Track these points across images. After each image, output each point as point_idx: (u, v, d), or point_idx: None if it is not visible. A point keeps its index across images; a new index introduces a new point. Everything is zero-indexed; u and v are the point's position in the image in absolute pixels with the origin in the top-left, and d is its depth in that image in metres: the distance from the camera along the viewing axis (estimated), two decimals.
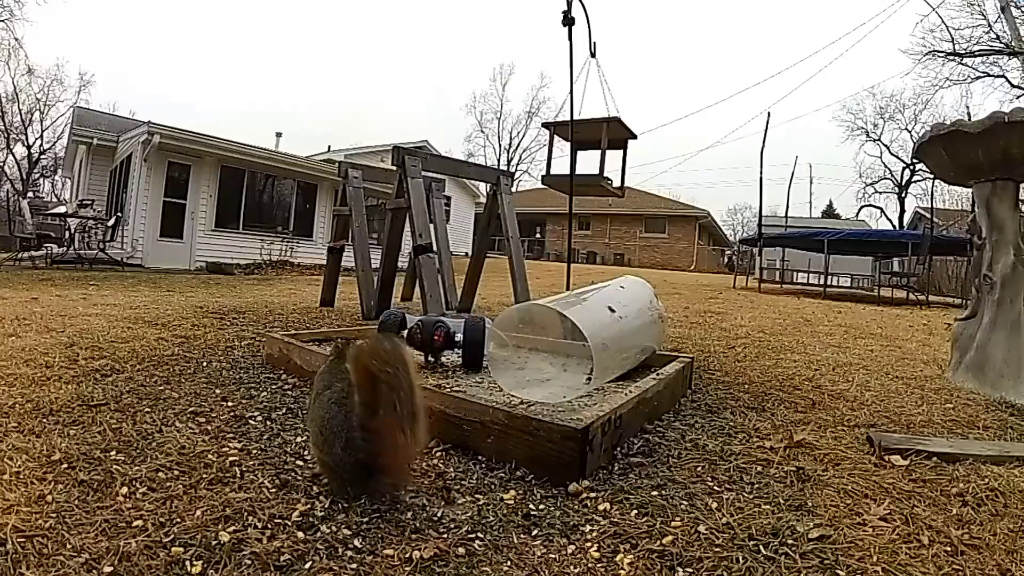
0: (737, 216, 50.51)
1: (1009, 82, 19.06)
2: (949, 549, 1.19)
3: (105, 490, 1.28)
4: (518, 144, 41.50)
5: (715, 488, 1.46)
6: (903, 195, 29.41)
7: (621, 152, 4.62)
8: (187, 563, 1.03)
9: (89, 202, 10.86)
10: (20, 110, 29.69)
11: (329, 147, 21.18)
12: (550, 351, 2.72)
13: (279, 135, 20.56)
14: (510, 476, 1.50)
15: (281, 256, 11.98)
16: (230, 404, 1.98)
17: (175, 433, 1.65)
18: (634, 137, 4.55)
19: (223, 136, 11.27)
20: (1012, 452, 1.74)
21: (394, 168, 3.75)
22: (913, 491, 1.47)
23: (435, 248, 3.93)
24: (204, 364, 2.50)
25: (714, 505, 1.36)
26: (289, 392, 2.18)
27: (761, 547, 1.17)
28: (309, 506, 1.27)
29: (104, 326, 3.21)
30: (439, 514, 1.28)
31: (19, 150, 30.72)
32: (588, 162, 4.45)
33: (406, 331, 2.54)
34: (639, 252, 28.56)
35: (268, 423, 1.82)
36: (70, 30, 50.01)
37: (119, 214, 10.58)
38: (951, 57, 19.21)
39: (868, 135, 29.89)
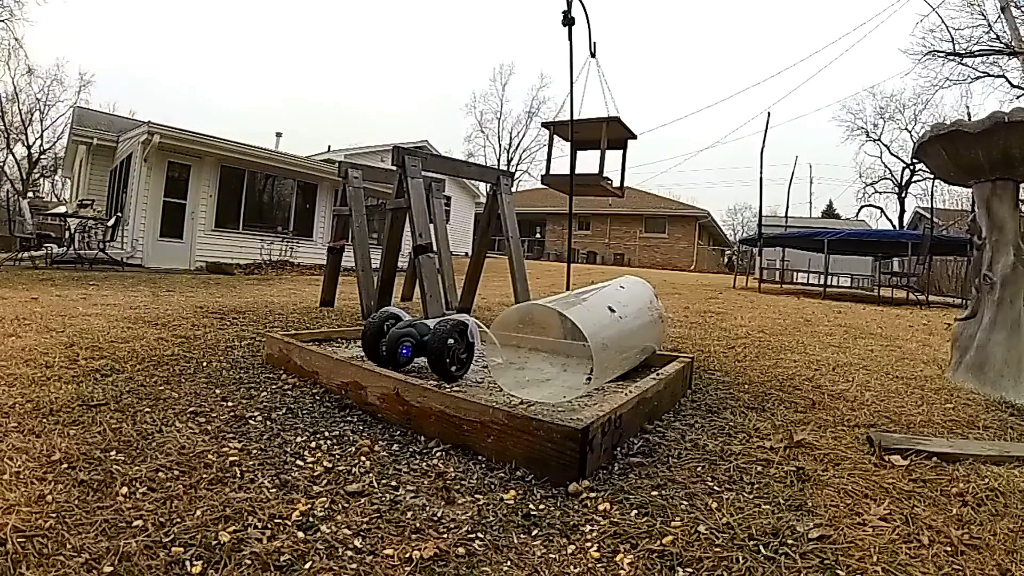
0: (737, 216, 50.49)
1: (1009, 82, 19.05)
2: (949, 549, 1.19)
3: (105, 490, 1.28)
4: (518, 144, 41.50)
5: (715, 488, 1.46)
6: (903, 195, 29.37)
7: (621, 152, 4.61)
8: (187, 563, 1.03)
9: (89, 202, 10.86)
10: (20, 110, 29.69)
11: (329, 147, 21.15)
12: (550, 351, 2.72)
13: (279, 135, 20.56)
14: (510, 476, 1.50)
15: (281, 256, 11.97)
16: (230, 404, 1.98)
17: (175, 433, 1.65)
18: (634, 137, 4.54)
19: (223, 136, 11.27)
20: (1012, 452, 1.74)
21: (394, 168, 3.75)
22: (913, 491, 1.47)
23: (435, 248, 3.93)
24: (204, 364, 2.50)
25: (714, 505, 1.36)
26: (289, 392, 2.18)
27: (761, 547, 1.17)
28: (309, 506, 1.27)
29: (104, 326, 3.21)
30: (439, 514, 1.28)
31: (19, 150, 30.74)
32: (588, 162, 4.45)
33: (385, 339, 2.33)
34: (639, 252, 28.54)
35: (268, 423, 1.82)
36: (70, 30, 50.00)
37: (119, 214, 10.57)
38: (951, 57, 19.19)
39: (868, 135, 29.86)
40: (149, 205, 10.32)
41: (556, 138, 4.65)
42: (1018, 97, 18.56)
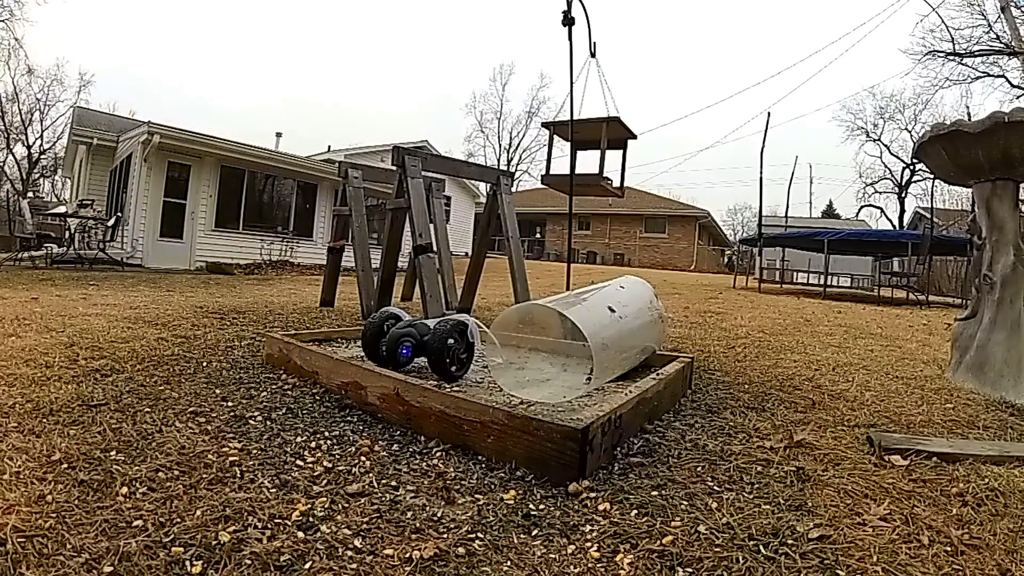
0: (737, 216, 50.48)
1: (1009, 82, 19.04)
2: (949, 549, 1.19)
3: (105, 490, 1.28)
4: (518, 144, 41.47)
5: (715, 488, 1.46)
6: (903, 195, 29.36)
7: (621, 152, 4.61)
8: (187, 563, 1.03)
9: (89, 202, 10.86)
10: (20, 110, 29.66)
11: (329, 147, 21.14)
12: (550, 351, 2.72)
13: (279, 135, 20.54)
14: (510, 476, 1.50)
15: (281, 256, 11.97)
16: (230, 404, 1.98)
17: (175, 433, 1.65)
18: (634, 137, 4.54)
19: (223, 136, 11.27)
20: (1012, 452, 1.74)
21: (394, 168, 3.75)
22: (913, 491, 1.47)
23: (435, 248, 3.92)
24: (204, 364, 2.50)
25: (714, 505, 1.36)
26: (289, 392, 2.18)
27: (761, 547, 1.17)
28: (309, 506, 1.27)
29: (104, 326, 3.21)
30: (439, 514, 1.28)
31: (19, 150, 30.72)
32: (588, 162, 4.45)
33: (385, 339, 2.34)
34: (639, 252, 28.54)
35: (268, 423, 1.82)
36: (70, 30, 49.98)
37: (119, 214, 10.57)
38: (951, 57, 19.18)
39: (868, 135, 29.84)
40: (149, 205, 10.32)
41: (556, 138, 4.65)
42: (1018, 97, 18.56)
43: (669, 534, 1.22)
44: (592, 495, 1.39)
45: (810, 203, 27.22)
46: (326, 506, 1.28)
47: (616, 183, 4.53)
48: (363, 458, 1.58)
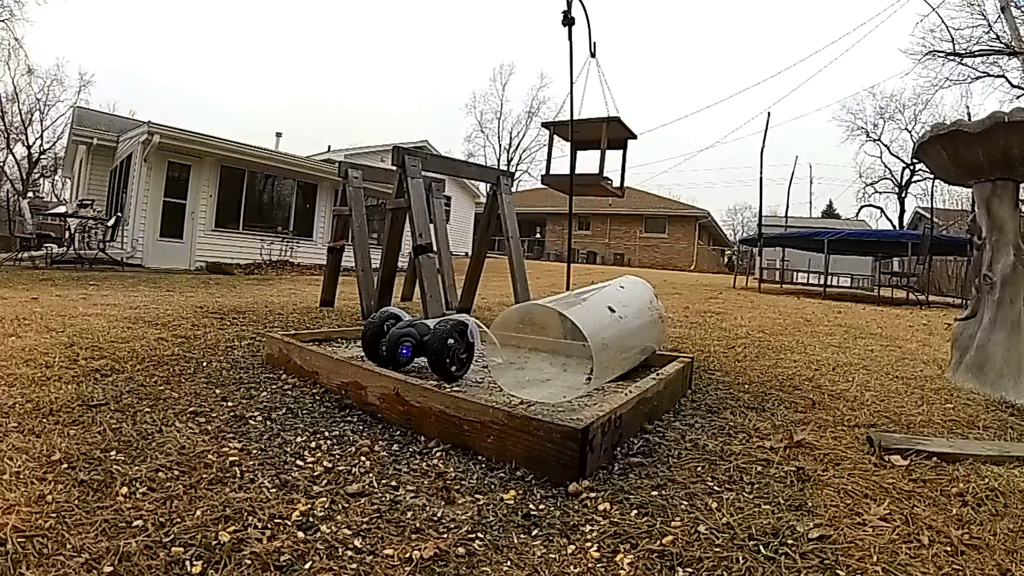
0: (737, 216, 50.50)
1: (1009, 82, 19.04)
2: (949, 549, 1.19)
3: (105, 490, 1.28)
4: (518, 144, 41.47)
5: (715, 488, 1.46)
6: (903, 195, 29.36)
7: (621, 152, 4.61)
8: (187, 563, 1.03)
9: (89, 202, 10.85)
10: (20, 110, 29.66)
11: (329, 147, 21.13)
12: (550, 351, 2.72)
13: (279, 135, 20.53)
14: (510, 476, 1.50)
15: (281, 256, 11.97)
16: (230, 404, 1.98)
17: (175, 433, 1.65)
18: (634, 137, 4.54)
19: (223, 136, 11.27)
20: (1012, 452, 1.74)
21: (394, 168, 3.75)
22: (913, 491, 1.47)
23: (435, 248, 3.92)
24: (204, 364, 2.50)
25: (714, 505, 1.36)
26: (289, 392, 2.18)
27: (761, 547, 1.17)
28: (309, 506, 1.27)
29: (104, 326, 3.21)
30: (439, 514, 1.28)
31: (19, 150, 30.72)
32: (588, 162, 4.45)
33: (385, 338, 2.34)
34: (639, 252, 28.54)
35: (268, 423, 1.82)
36: (70, 30, 49.98)
37: (119, 214, 10.57)
38: (951, 57, 19.18)
39: (868, 135, 29.84)
40: (149, 205, 10.32)
41: (556, 138, 4.65)
42: (1018, 97, 18.56)
43: (669, 534, 1.22)
44: (592, 495, 1.39)
45: (810, 203, 27.28)
46: (326, 506, 1.28)
47: (616, 183, 4.52)
48: (363, 458, 1.58)
